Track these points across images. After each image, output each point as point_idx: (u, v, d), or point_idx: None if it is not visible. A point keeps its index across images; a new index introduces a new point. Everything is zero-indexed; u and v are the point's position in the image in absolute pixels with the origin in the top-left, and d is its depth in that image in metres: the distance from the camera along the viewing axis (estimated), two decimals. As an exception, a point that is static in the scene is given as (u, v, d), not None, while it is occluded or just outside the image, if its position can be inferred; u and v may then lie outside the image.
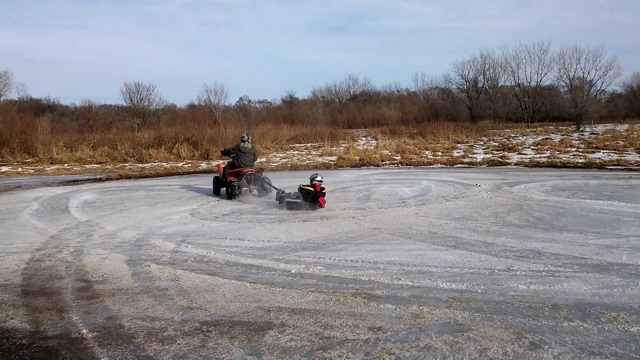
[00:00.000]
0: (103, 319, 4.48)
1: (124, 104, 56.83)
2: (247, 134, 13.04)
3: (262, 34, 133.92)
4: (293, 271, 5.83)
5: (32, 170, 22.70)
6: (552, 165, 18.70)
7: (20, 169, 23.19)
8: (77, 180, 18.03)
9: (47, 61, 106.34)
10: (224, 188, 12.55)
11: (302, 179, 15.73)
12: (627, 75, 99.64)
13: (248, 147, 12.58)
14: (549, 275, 5.41)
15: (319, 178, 10.43)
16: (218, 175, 13.12)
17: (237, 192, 11.90)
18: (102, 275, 5.86)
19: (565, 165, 18.47)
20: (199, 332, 4.12)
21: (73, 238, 8.04)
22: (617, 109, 57.91)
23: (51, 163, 25.75)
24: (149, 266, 6.21)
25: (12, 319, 4.55)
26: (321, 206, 10.24)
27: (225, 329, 4.17)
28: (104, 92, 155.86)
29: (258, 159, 13.18)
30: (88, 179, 18.53)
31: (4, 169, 23.20)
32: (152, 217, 9.80)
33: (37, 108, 57.37)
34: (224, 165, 13.08)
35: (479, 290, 4.96)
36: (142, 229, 8.70)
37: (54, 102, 64.43)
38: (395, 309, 4.51)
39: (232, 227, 8.61)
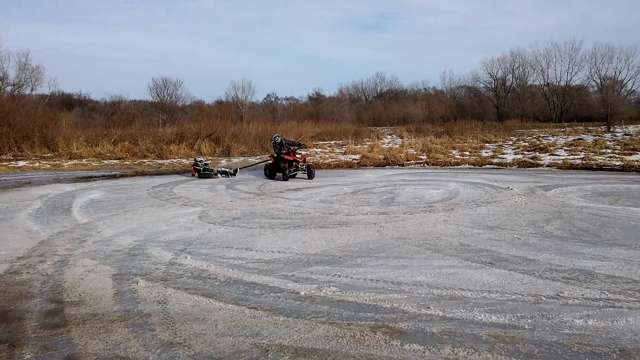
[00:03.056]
0: (60, 359, 3.70)
1: (152, 100, 56.76)
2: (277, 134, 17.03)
3: (293, 32, 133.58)
4: (302, 293, 4.98)
5: (48, 165, 22.32)
6: (587, 168, 17.44)
7: (37, 164, 22.85)
8: (91, 177, 17.50)
9: (82, 57, 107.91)
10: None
11: (325, 179, 14.96)
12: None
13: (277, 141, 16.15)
14: (607, 305, 4.45)
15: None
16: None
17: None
18: (79, 295, 5.10)
19: (601, 168, 17.19)
20: (176, 378, 3.31)
21: (63, 244, 7.34)
22: (648, 110, 55.58)
23: (69, 158, 25.39)
24: (137, 283, 5.43)
25: (-39, 350, 3.82)
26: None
27: (210, 375, 3.35)
28: (136, 88, 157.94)
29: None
30: (102, 176, 17.99)
31: (21, 163, 22.89)
32: (156, 220, 9.07)
33: (68, 103, 57.85)
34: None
35: (526, 326, 4.04)
36: (142, 234, 7.96)
37: (85, 97, 64.92)
38: (424, 352, 3.63)
39: (240, 234, 7.81)
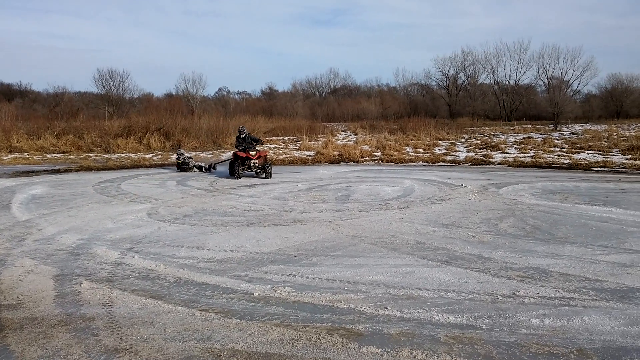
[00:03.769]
0: (-5, 368, 3.40)
1: (97, 92, 54.69)
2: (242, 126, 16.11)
3: (246, 25, 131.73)
4: (256, 294, 4.79)
5: (-14, 159, 21.11)
6: (537, 166, 17.98)
7: (-26, 157, 21.57)
8: (33, 172, 16.63)
9: (22, 45, 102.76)
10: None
11: (279, 175, 14.74)
12: (602, 76, 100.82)
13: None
14: (563, 304, 4.49)
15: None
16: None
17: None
18: (18, 297, 4.74)
19: (550, 166, 17.76)
20: (120, 390, 3.07)
21: (1, 243, 6.86)
22: (592, 110, 58.17)
23: (10, 152, 24.09)
24: (80, 284, 5.10)
25: None
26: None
27: (157, 385, 3.13)
28: (81, 79, 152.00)
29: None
30: (45, 170, 17.14)
31: (-43, 157, 21.55)
32: (102, 217, 8.64)
33: (7, 93, 55.06)
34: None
35: (484, 326, 4.00)
36: (86, 232, 7.55)
37: (26, 87, 61.89)
38: (382, 355, 3.52)
39: (191, 232, 7.53)
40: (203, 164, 17.06)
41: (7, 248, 6.60)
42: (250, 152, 14.71)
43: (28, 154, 23.27)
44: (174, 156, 19.08)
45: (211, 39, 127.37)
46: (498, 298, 4.64)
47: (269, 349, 3.62)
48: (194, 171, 16.57)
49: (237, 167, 14.55)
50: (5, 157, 21.84)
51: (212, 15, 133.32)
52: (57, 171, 16.95)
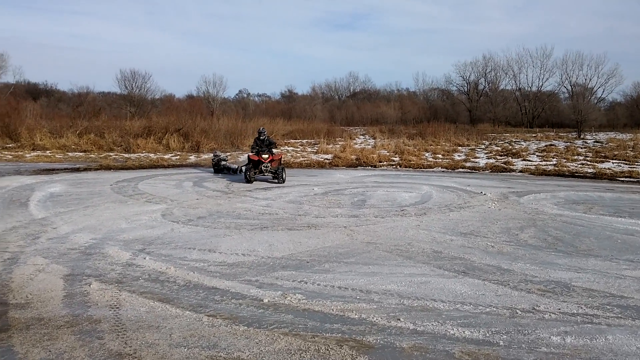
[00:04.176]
0: (-4, 370, 3.33)
1: (120, 92, 55.36)
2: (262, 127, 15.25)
3: (266, 28, 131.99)
4: (266, 300, 4.68)
5: (10, 156, 21.43)
6: (559, 174, 17.57)
7: (-2, 154, 21.92)
8: (53, 170, 16.80)
9: (49, 46, 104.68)
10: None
11: (296, 178, 14.64)
12: (627, 84, 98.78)
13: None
14: (586, 321, 4.28)
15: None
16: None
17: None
18: (27, 297, 4.70)
19: (573, 175, 17.34)
20: (120, 398, 2.98)
21: (16, 241, 6.87)
22: (617, 118, 56.92)
23: (33, 149, 24.44)
24: (90, 285, 5.05)
25: None
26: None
27: (158, 394, 3.03)
28: (104, 80, 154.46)
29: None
30: (65, 168, 17.30)
31: (-19, 153, 21.92)
32: (117, 217, 8.63)
33: (34, 92, 56.03)
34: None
35: (501, 343, 3.83)
36: (100, 231, 7.53)
37: (51, 87, 62.90)
38: (393, 370, 3.37)
39: (204, 234, 7.45)
40: (236, 166, 16.57)
41: (21, 246, 6.60)
42: (263, 156, 13.92)
43: (50, 152, 23.56)
44: (208, 155, 18.97)
45: (232, 42, 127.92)
46: (517, 313, 4.45)
47: (275, 359, 3.50)
48: (227, 173, 16.22)
49: (248, 171, 13.81)
50: (28, 155, 22.15)
51: (233, 19, 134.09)
52: (77, 170, 17.10)
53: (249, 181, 13.68)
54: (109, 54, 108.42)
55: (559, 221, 8.77)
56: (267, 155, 13.93)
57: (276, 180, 13.90)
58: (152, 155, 23.36)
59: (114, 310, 4.39)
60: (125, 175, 15.34)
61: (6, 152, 22.82)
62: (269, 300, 4.68)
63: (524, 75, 65.99)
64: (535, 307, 4.58)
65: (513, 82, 63.11)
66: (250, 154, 14.32)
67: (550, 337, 3.93)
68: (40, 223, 8.08)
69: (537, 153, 23.66)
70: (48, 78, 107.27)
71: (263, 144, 14.21)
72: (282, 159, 16.05)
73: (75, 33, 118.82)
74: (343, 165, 20.35)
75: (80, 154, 23.58)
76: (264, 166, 13.86)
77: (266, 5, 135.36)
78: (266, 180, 14.38)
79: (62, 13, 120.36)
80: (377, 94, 73.35)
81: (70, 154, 23.48)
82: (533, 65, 62.18)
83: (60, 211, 9.10)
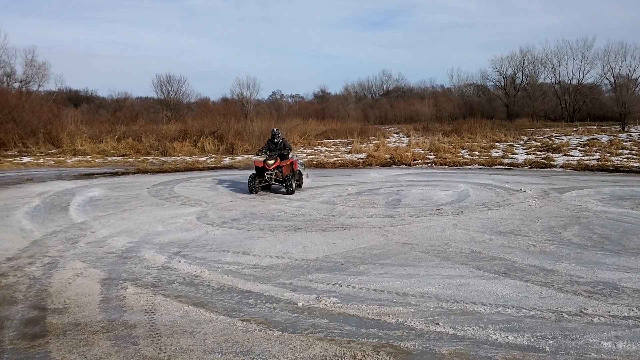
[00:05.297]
0: (33, 376, 3.35)
1: (156, 97, 56.56)
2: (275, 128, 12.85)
3: (299, 30, 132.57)
4: (300, 304, 4.60)
5: (52, 162, 22.09)
6: (603, 169, 16.93)
7: (41, 160, 22.62)
8: (93, 174, 17.21)
9: (88, 54, 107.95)
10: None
11: (329, 178, 14.54)
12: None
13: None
14: (638, 325, 4.04)
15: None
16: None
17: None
18: (64, 302, 4.75)
19: (618, 170, 16.67)
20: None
21: (55, 245, 7.00)
22: (663, 109, 54.56)
23: (74, 154, 25.16)
24: (126, 289, 5.08)
25: None
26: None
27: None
28: (142, 85, 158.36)
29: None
30: (104, 173, 17.71)
31: (26, 159, 22.68)
32: (153, 220, 8.72)
33: (75, 99, 57.86)
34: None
35: (547, 348, 3.63)
36: (137, 235, 7.62)
37: (91, 93, 64.89)
38: (432, 378, 3.24)
39: (238, 236, 7.44)
40: (303, 167, 14.12)
41: (61, 250, 6.72)
42: (268, 161, 11.64)
43: (90, 157, 24.18)
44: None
45: (265, 44, 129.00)
46: (563, 316, 4.23)
47: (310, 366, 3.42)
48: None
49: (252, 180, 11.71)
50: (69, 160, 22.79)
51: (265, 21, 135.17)
52: (116, 174, 17.47)
53: (252, 192, 11.66)
54: (145, 59, 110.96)
55: (605, 218, 8.39)
56: (272, 161, 11.67)
57: (284, 190, 11.75)
58: (187, 158, 23.69)
59: (149, 315, 4.39)
60: (161, 179, 15.57)
61: (49, 158, 23.54)
62: (303, 304, 4.60)
63: (563, 67, 64.12)
64: (582, 310, 4.35)
65: (552, 75, 61.26)
66: (255, 158, 12.51)
67: (600, 343, 3.71)
68: (79, 227, 8.24)
69: (578, 148, 22.89)
70: (88, 85, 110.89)
71: (276, 148, 12.22)
72: (316, 160, 14.87)
73: (113, 40, 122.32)
74: (377, 165, 20.14)
75: (119, 158, 24.13)
76: (267, 174, 11.64)
77: (298, 5, 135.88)
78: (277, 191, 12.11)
79: (101, 21, 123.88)
80: (411, 91, 72.51)
81: (109, 158, 24.05)
82: (573, 57, 60.15)
83: (99, 215, 9.27)
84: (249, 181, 11.81)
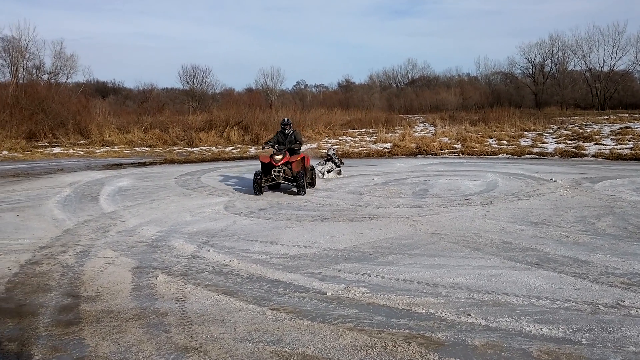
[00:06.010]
0: (69, 361, 3.42)
1: (182, 88, 57.12)
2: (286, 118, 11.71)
3: (323, 19, 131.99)
4: (329, 294, 4.59)
5: (82, 152, 22.54)
6: (637, 158, 16.44)
7: (71, 151, 23.11)
8: (121, 164, 17.49)
9: (115, 45, 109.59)
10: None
11: (355, 168, 14.47)
12: None
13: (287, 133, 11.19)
14: (678, 318, 3.91)
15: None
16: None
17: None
18: (97, 289, 4.83)
19: (652, 159, 16.19)
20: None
21: (87, 234, 7.13)
22: (699, 95, 52.76)
23: (102, 145, 25.61)
24: (157, 277, 5.14)
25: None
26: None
27: (224, 390, 3.00)
28: (168, 76, 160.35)
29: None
30: (132, 163, 17.97)
31: (56, 150, 23.19)
32: (182, 210, 8.81)
33: (103, 90, 58.85)
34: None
35: (584, 341, 3.55)
36: (166, 224, 7.71)
37: (119, 85, 65.92)
38: (465, 370, 3.19)
39: (266, 226, 7.47)
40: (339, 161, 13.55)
41: (92, 239, 6.84)
42: (275, 157, 10.34)
43: (118, 148, 24.58)
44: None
45: (289, 34, 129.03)
46: (599, 308, 4.12)
47: (340, 356, 3.40)
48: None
49: (257, 178, 10.30)
50: (98, 151, 23.22)
51: (290, 11, 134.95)
52: (143, 164, 17.71)
53: (257, 192, 10.28)
54: (171, 50, 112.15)
55: (640, 208, 8.16)
56: (280, 157, 10.34)
57: (294, 189, 10.45)
58: (213, 148, 23.87)
59: (180, 303, 4.43)
60: (188, 169, 15.73)
61: (78, 149, 24.02)
62: (332, 294, 4.58)
63: (594, 54, 62.35)
64: (619, 302, 4.23)
65: (582, 62, 59.63)
66: (261, 152, 10.81)
67: (638, 336, 3.61)
68: (109, 217, 8.37)
69: (611, 136, 22.28)
70: (115, 76, 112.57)
71: (286, 140, 11.00)
72: (341, 150, 14.20)
73: (141, 32, 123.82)
74: (403, 154, 19.97)
75: (146, 148, 24.45)
76: (274, 171, 10.36)
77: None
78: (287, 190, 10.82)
79: (128, 13, 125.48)
80: (437, 80, 71.56)
81: (136, 148, 24.40)
82: (605, 44, 58.40)
83: (128, 205, 9.41)
84: (253, 179, 10.37)
